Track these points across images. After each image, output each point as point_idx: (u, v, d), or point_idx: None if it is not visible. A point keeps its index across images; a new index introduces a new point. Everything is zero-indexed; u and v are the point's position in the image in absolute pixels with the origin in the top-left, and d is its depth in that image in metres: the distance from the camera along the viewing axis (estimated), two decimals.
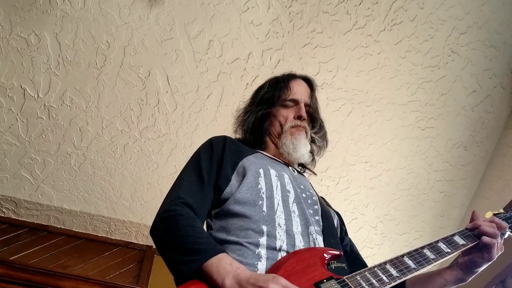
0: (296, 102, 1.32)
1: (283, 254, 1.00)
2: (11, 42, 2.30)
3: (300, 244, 1.04)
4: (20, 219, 2.82)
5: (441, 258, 1.04)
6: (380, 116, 2.78)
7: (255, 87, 2.56)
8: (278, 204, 1.11)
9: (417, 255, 1.03)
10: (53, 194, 2.73)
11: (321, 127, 1.38)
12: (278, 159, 1.28)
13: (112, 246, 2.93)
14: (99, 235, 2.94)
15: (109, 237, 2.95)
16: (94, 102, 2.50)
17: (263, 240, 1.03)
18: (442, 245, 1.07)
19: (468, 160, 3.00)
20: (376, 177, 2.94)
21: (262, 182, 1.13)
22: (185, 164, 1.19)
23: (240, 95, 2.60)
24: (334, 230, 1.20)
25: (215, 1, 2.37)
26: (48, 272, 2.36)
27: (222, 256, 0.93)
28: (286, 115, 1.30)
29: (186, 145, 2.68)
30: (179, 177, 1.15)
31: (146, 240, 2.99)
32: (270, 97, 1.34)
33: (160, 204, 1.08)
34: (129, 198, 2.79)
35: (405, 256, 1.01)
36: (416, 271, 0.98)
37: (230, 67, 2.53)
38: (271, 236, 1.04)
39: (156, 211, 1.07)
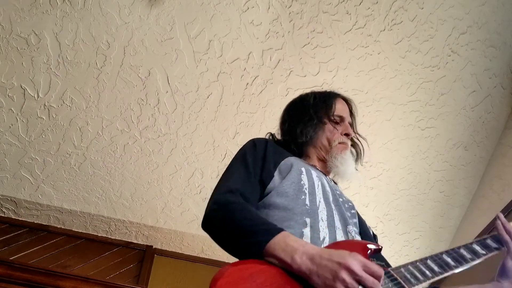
0: (342, 119, 1.38)
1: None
2: (11, 42, 2.30)
3: (341, 239, 1.06)
4: (20, 219, 2.82)
5: (478, 259, 1.08)
6: (380, 116, 2.78)
7: (255, 87, 2.59)
8: (319, 201, 1.13)
9: (454, 253, 1.07)
10: (53, 194, 2.73)
11: (359, 144, 1.47)
12: (317, 167, 1.32)
13: (112, 246, 2.93)
14: (99, 235, 2.94)
15: (109, 237, 2.95)
16: (94, 102, 2.50)
17: (306, 231, 1.03)
18: (476, 247, 1.12)
19: (468, 160, 3.00)
20: (376, 177, 2.94)
21: (304, 179, 1.16)
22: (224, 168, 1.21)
23: (240, 95, 2.61)
24: (370, 235, 1.26)
25: (215, 1, 2.37)
26: (48, 272, 2.36)
27: (285, 233, 0.92)
28: (334, 131, 1.35)
29: (186, 145, 2.68)
30: (225, 173, 1.18)
31: (146, 240, 2.99)
32: (320, 111, 1.38)
33: (208, 200, 1.09)
34: (129, 198, 2.79)
35: (443, 254, 1.05)
36: (455, 268, 1.02)
37: (230, 67, 2.53)
38: (314, 228, 1.05)
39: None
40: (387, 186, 2.99)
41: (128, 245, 2.96)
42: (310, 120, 1.35)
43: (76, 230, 2.90)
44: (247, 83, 2.59)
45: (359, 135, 1.46)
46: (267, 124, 2.68)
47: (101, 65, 2.42)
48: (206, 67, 2.51)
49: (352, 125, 1.43)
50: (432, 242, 3.19)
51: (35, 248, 2.73)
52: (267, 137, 1.40)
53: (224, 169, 1.19)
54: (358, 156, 1.43)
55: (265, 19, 2.45)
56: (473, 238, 3.05)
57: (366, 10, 2.50)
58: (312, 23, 2.49)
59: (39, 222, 2.85)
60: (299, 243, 0.90)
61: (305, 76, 2.61)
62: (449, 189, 3.06)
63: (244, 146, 1.26)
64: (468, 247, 1.11)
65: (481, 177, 3.06)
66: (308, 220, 1.06)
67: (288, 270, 0.88)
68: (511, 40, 2.73)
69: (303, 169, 1.19)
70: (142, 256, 2.94)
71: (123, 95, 2.51)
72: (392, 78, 2.69)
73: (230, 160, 1.23)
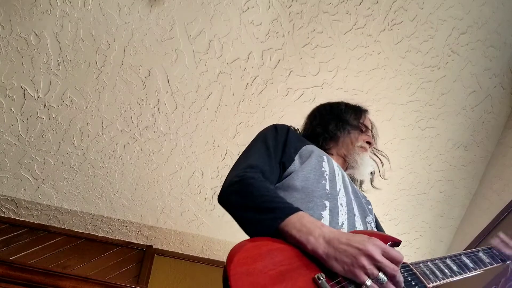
0: (366, 130, 1.46)
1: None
2: (11, 42, 2.30)
3: (359, 227, 1.07)
4: (20, 219, 2.82)
5: (495, 263, 1.11)
6: (380, 116, 2.78)
7: (255, 87, 2.59)
8: (339, 188, 1.13)
9: (473, 256, 1.09)
10: (53, 194, 2.73)
11: (376, 160, 1.53)
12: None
13: (112, 246, 2.92)
14: (99, 235, 2.94)
15: (109, 237, 2.95)
16: (94, 102, 2.50)
17: (325, 213, 1.03)
18: (496, 252, 1.16)
19: (468, 160, 3.00)
20: (376, 177, 2.94)
21: (325, 166, 1.17)
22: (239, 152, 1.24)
23: (240, 95, 2.60)
24: (383, 230, 1.28)
25: (215, 1, 2.37)
26: (48, 272, 2.36)
27: (301, 213, 0.91)
28: (358, 137, 1.43)
29: (186, 145, 2.68)
30: (244, 152, 1.18)
31: (146, 240, 2.99)
32: (350, 116, 1.47)
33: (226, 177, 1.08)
34: (129, 198, 2.79)
35: (462, 255, 1.08)
36: (474, 270, 1.04)
37: (230, 67, 2.53)
38: (334, 212, 1.04)
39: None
40: (387, 186, 2.98)
41: (128, 245, 2.96)
42: (343, 120, 1.43)
43: (76, 230, 2.90)
44: (247, 83, 2.59)
45: (381, 152, 1.52)
46: (267, 124, 2.66)
47: (101, 65, 2.42)
48: (206, 67, 2.51)
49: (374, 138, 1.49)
50: (432, 242, 3.19)
51: (35, 248, 2.73)
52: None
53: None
54: (374, 171, 1.48)
55: (265, 19, 2.45)
56: (473, 238, 3.03)
57: (366, 10, 2.50)
58: (312, 23, 2.49)
59: (39, 222, 2.85)
60: (315, 225, 0.88)
61: (305, 76, 2.61)
62: (449, 189, 3.06)
63: (265, 129, 1.26)
64: (487, 251, 1.13)
65: (481, 177, 3.06)
66: (327, 203, 1.05)
67: (304, 250, 0.86)
68: (511, 40, 2.73)
69: (324, 157, 1.20)
70: (142, 256, 2.94)
71: (123, 95, 2.51)
72: (392, 78, 2.69)
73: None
